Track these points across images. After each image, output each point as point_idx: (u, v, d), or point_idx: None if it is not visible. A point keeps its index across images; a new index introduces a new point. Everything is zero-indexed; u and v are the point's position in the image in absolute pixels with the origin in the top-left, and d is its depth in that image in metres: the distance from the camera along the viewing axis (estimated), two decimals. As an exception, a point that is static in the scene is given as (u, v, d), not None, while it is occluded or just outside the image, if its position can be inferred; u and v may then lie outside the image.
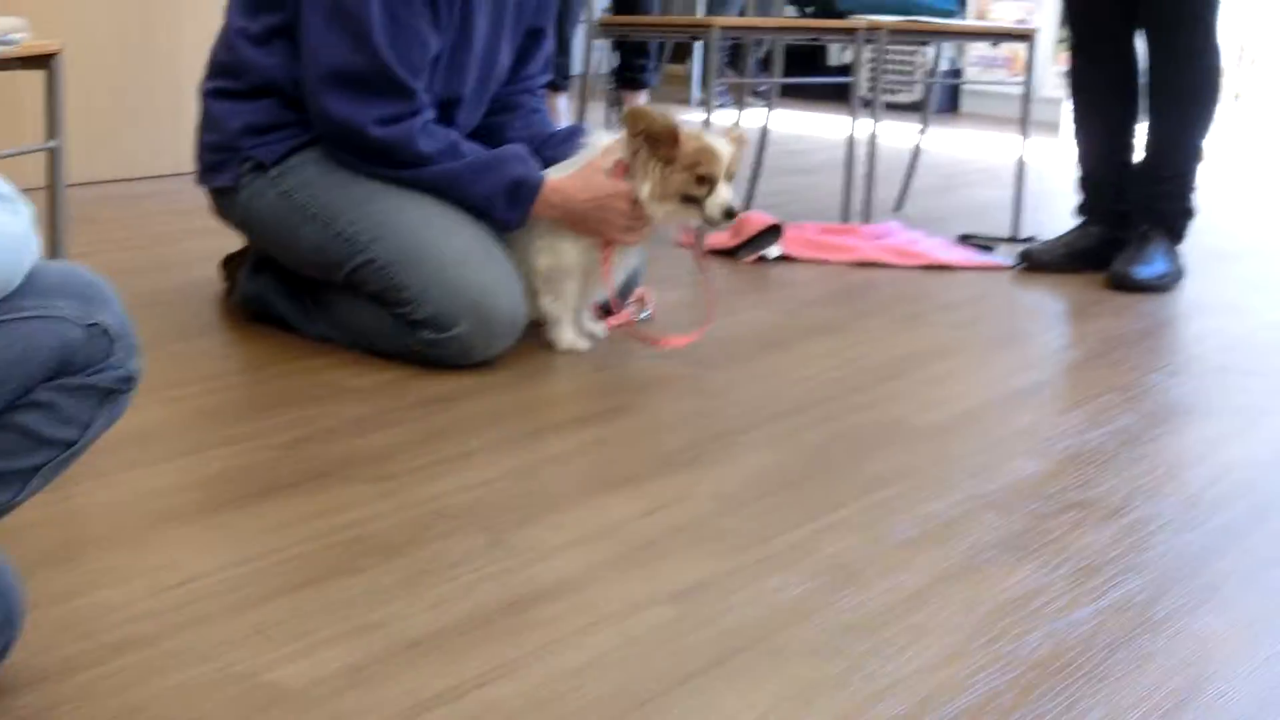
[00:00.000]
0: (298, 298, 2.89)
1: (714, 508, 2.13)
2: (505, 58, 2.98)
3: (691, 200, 2.76)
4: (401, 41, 2.69)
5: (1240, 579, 1.97)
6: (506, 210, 2.77)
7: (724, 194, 2.75)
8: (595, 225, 2.79)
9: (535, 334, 2.88)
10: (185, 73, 2.94)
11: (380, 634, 1.68)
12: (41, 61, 2.53)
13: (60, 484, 1.94)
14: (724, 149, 2.75)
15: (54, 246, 2.58)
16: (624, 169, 2.78)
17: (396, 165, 2.73)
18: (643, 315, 3.09)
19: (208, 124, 2.88)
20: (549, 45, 3.14)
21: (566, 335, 2.89)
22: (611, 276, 2.84)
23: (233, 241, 3.09)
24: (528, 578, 1.85)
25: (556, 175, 2.81)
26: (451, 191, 2.76)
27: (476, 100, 2.94)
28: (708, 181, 2.75)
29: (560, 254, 2.82)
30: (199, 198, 2.98)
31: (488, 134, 2.98)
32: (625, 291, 3.01)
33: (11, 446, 1.50)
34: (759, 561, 1.94)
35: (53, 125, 2.55)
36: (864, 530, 2.07)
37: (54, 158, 2.57)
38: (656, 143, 2.74)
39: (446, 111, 2.85)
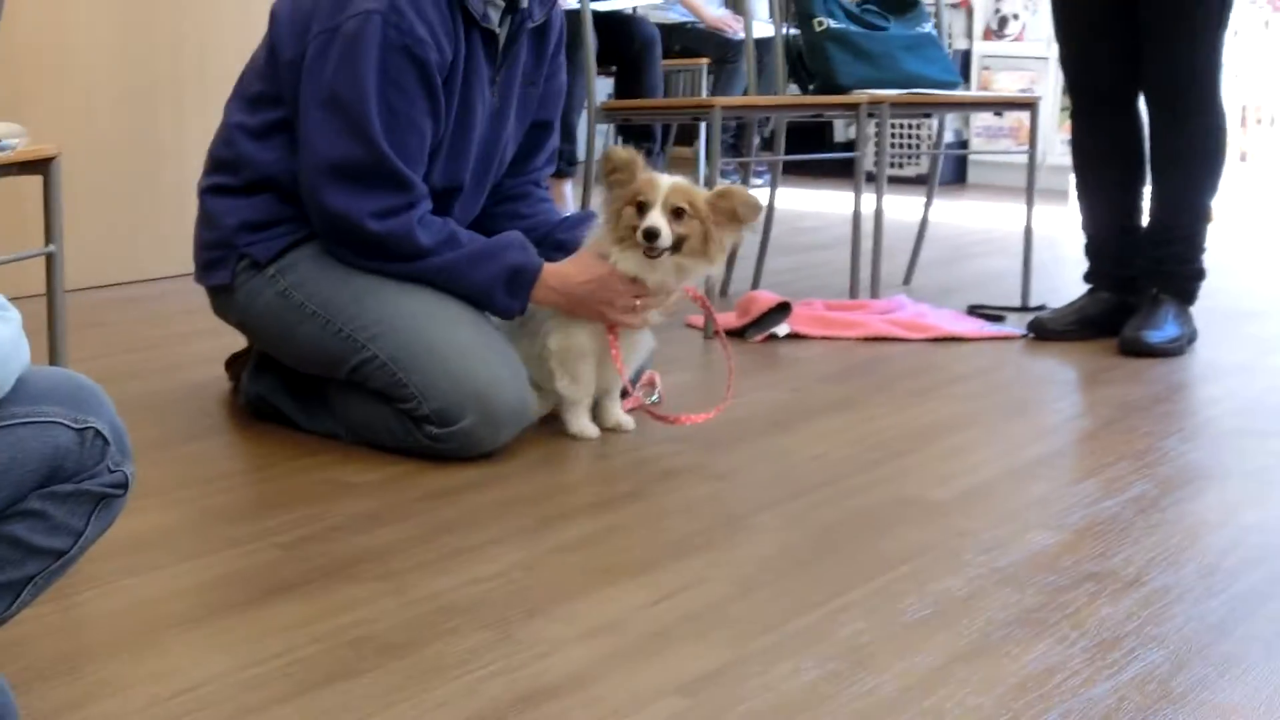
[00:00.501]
0: (301, 396, 2.88)
1: (725, 594, 2.10)
2: (508, 149, 2.99)
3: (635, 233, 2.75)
4: (398, 133, 2.69)
5: (1262, 647, 1.93)
6: (506, 298, 2.76)
7: (649, 217, 2.73)
8: (596, 308, 2.77)
9: (541, 422, 2.86)
10: (188, 174, 2.95)
11: (384, 737, 1.64)
12: (39, 167, 2.53)
13: (59, 593, 1.93)
14: (666, 181, 2.76)
15: (53, 353, 2.57)
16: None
17: (394, 258, 2.73)
18: (652, 399, 3.07)
19: (204, 221, 2.88)
20: (555, 138, 3.14)
21: (578, 421, 2.87)
22: (621, 361, 2.82)
23: (237, 341, 3.08)
24: (535, 673, 1.82)
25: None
26: (450, 282, 2.75)
27: (476, 190, 2.94)
28: (645, 209, 2.74)
29: (572, 335, 2.81)
30: (203, 298, 2.98)
31: (493, 222, 2.98)
32: (634, 375, 2.99)
33: (2, 557, 1.48)
34: (771, 648, 1.90)
35: (50, 230, 2.55)
36: (877, 611, 2.03)
37: (52, 263, 2.56)
38: (621, 181, 2.76)
39: (445, 201, 2.85)
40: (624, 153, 2.78)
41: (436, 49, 2.69)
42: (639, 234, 2.73)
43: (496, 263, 2.75)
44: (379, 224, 2.69)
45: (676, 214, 2.74)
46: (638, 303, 2.79)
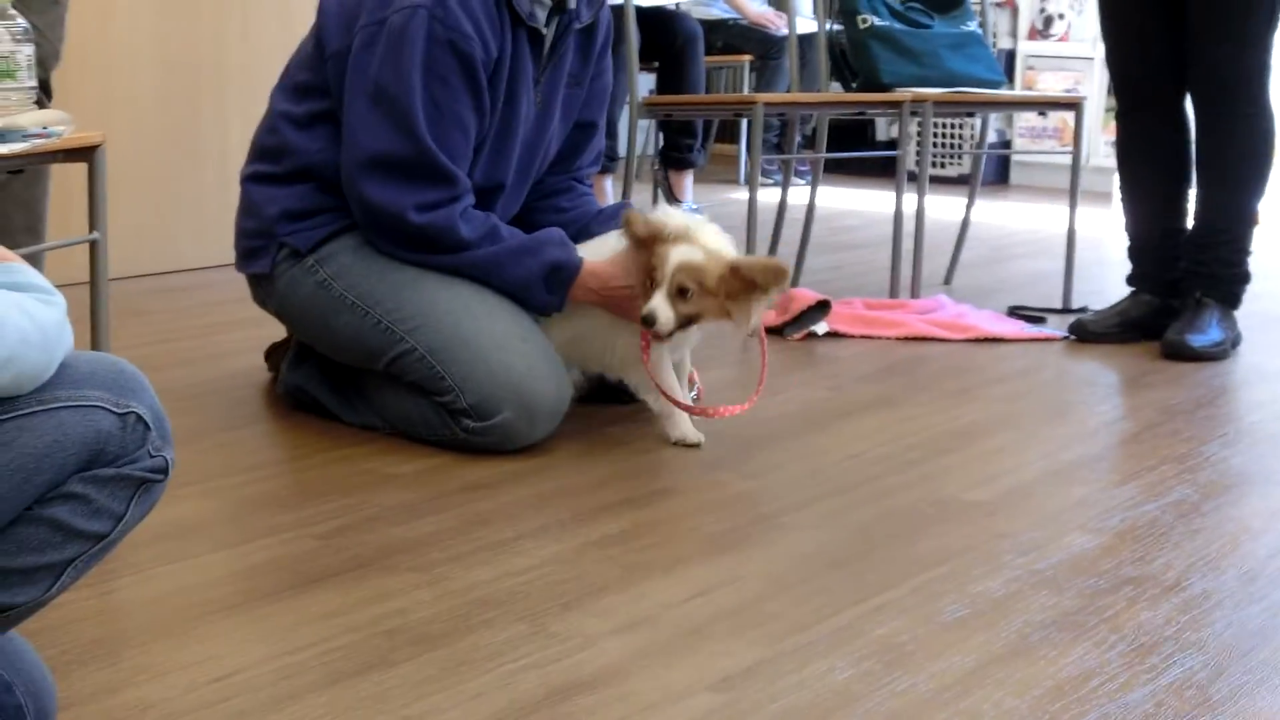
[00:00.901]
0: (339, 387, 2.89)
1: (759, 591, 2.09)
2: (552, 148, 2.98)
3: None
4: (442, 127, 2.69)
5: (1303, 655, 1.92)
6: (544, 294, 2.76)
7: (651, 301, 2.65)
8: (633, 310, 2.76)
9: (577, 417, 2.86)
10: (231, 164, 2.97)
11: (418, 728, 1.65)
12: (84, 154, 2.55)
13: (97, 578, 1.94)
14: (675, 257, 2.65)
15: (95, 340, 2.59)
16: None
17: (435, 251, 2.73)
18: (689, 396, 3.05)
19: (246, 210, 2.89)
20: (600, 138, 3.13)
21: (681, 428, 2.81)
22: (653, 363, 2.79)
23: (276, 331, 3.09)
24: (569, 666, 1.82)
25: (594, 255, 2.80)
26: (489, 276, 2.75)
27: (518, 189, 2.94)
28: (654, 287, 2.68)
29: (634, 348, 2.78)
30: (243, 289, 2.99)
31: (534, 215, 2.98)
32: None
33: (42, 540, 1.48)
34: (805, 646, 1.90)
35: (94, 218, 2.56)
36: (913, 611, 2.02)
37: (95, 250, 2.57)
38: (643, 246, 2.71)
39: (487, 199, 2.85)
40: (643, 226, 2.70)
41: (482, 45, 2.69)
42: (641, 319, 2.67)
43: (536, 259, 2.75)
44: (421, 216, 2.70)
45: (683, 293, 2.66)
46: None
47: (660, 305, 2.65)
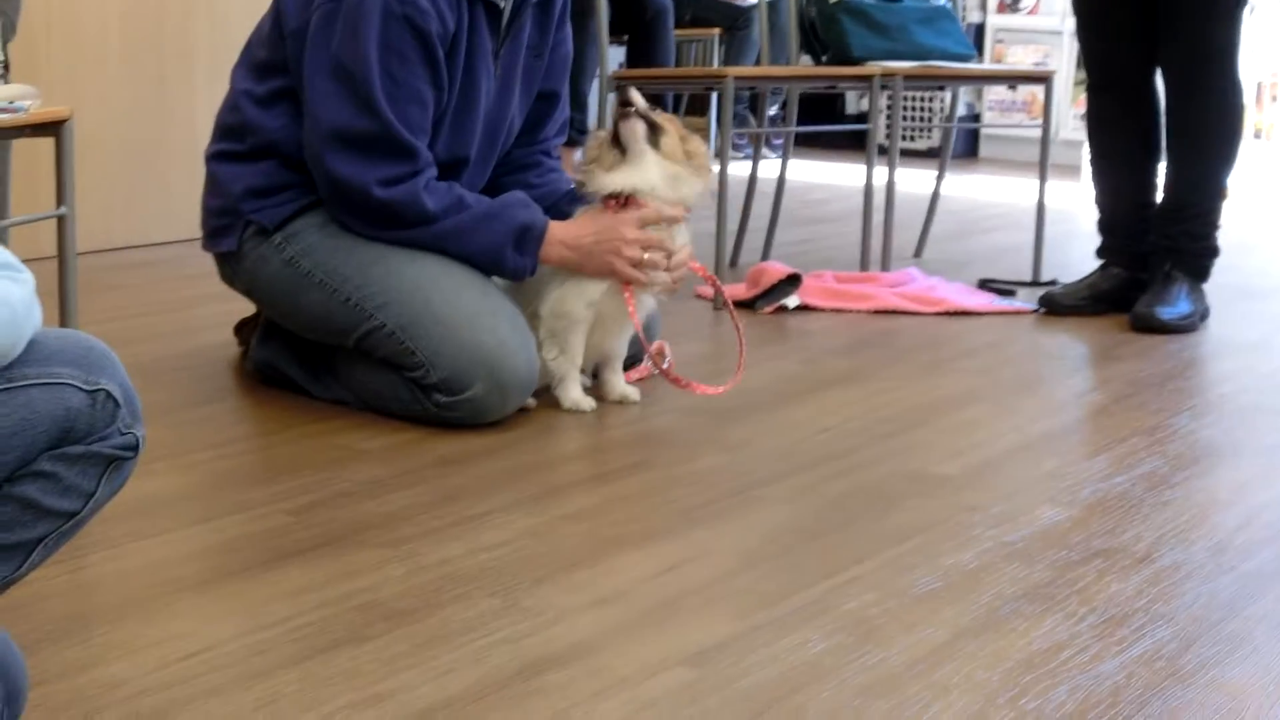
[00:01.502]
0: (309, 363, 2.88)
1: (732, 565, 2.09)
2: (515, 121, 2.98)
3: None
4: (401, 102, 2.69)
5: (1272, 626, 1.93)
6: (516, 257, 2.75)
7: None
8: (605, 259, 2.76)
9: (548, 391, 2.86)
10: (199, 139, 2.95)
11: (391, 704, 1.64)
12: (51, 129, 2.53)
13: (69, 555, 1.93)
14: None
15: (64, 315, 2.57)
16: (632, 203, 2.78)
17: (401, 225, 2.72)
18: (662, 367, 3.05)
19: (211, 188, 2.88)
20: (563, 107, 3.13)
21: (570, 393, 2.84)
22: (638, 320, 2.81)
23: (246, 307, 3.07)
24: (541, 641, 1.82)
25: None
26: (458, 246, 2.74)
27: (482, 162, 2.93)
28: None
29: (566, 301, 2.79)
30: (211, 263, 2.97)
31: (502, 191, 2.97)
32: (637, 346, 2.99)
33: (12, 518, 1.48)
34: (778, 620, 1.90)
35: (62, 193, 2.55)
36: (885, 584, 2.03)
37: (63, 225, 2.56)
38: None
39: (452, 173, 2.84)
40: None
41: (439, 20, 2.69)
42: (616, 104, 2.81)
43: (503, 222, 2.74)
44: (385, 191, 2.69)
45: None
46: (645, 256, 2.77)
47: (635, 92, 2.83)
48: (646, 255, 2.78)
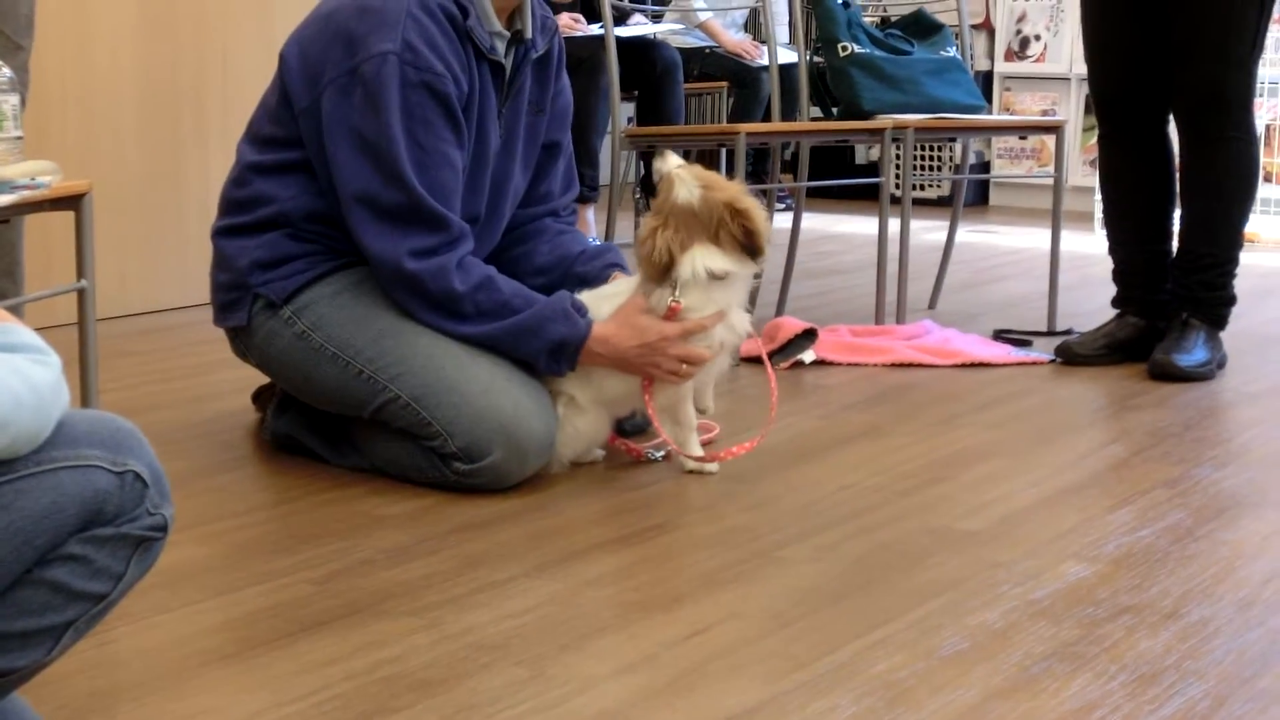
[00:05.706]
0: (326, 434, 2.87)
1: (757, 628, 2.09)
2: (519, 175, 2.97)
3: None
4: (430, 171, 2.68)
5: (1304, 682, 1.92)
6: (550, 365, 2.74)
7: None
8: (643, 369, 2.75)
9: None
10: (214, 205, 2.95)
11: (421, 778, 1.64)
12: (70, 202, 2.54)
13: (95, 629, 1.92)
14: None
15: (84, 387, 2.57)
16: (676, 311, 2.73)
17: (427, 299, 2.71)
18: (658, 455, 2.96)
19: (219, 263, 2.87)
20: (567, 159, 3.12)
21: (691, 459, 2.86)
22: (654, 409, 2.81)
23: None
24: (569, 710, 1.81)
25: (598, 301, 2.80)
26: (493, 352, 2.74)
27: (491, 221, 2.92)
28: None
29: (662, 395, 2.80)
30: (229, 329, 2.97)
31: (514, 266, 2.95)
32: (641, 426, 3.02)
33: (42, 603, 1.47)
34: (806, 684, 1.89)
35: (82, 266, 2.55)
36: (912, 646, 2.02)
37: (83, 298, 2.56)
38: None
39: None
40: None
41: (454, 81, 2.70)
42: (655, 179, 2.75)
43: (540, 338, 2.72)
44: (415, 264, 2.68)
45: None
46: (684, 368, 2.77)
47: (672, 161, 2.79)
48: (685, 368, 2.77)
